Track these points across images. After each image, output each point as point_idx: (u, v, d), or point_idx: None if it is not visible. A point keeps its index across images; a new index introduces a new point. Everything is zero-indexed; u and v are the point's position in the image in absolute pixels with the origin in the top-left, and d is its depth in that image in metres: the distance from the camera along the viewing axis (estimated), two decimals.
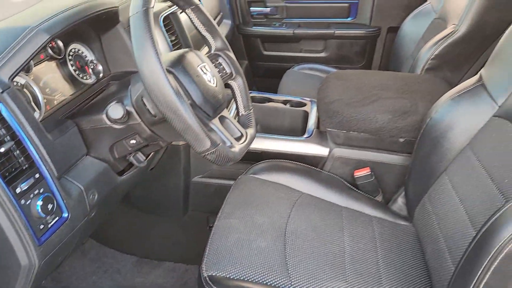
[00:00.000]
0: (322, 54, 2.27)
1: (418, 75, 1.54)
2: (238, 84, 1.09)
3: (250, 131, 1.03)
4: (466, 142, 1.06)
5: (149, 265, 1.50)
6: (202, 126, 0.79)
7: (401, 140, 1.27)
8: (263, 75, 2.43)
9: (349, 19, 2.20)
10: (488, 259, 0.72)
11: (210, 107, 0.90)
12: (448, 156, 1.10)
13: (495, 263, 0.71)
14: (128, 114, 0.90)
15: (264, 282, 0.92)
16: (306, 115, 1.52)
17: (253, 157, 1.34)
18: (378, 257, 1.07)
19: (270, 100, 1.60)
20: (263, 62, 2.35)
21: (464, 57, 1.52)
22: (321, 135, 1.39)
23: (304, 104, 1.57)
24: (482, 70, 1.10)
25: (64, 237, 0.84)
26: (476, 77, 1.11)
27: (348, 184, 1.32)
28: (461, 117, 1.09)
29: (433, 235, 1.05)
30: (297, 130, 1.54)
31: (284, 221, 1.11)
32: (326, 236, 1.09)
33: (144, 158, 0.99)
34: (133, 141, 0.94)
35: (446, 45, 1.50)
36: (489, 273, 0.72)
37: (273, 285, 0.92)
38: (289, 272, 0.96)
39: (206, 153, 0.81)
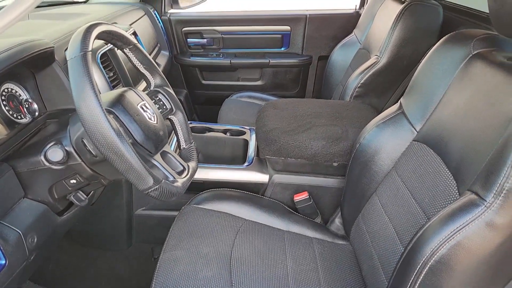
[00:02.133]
0: (259, 82, 2.37)
1: (347, 102, 1.65)
2: (178, 119, 1.12)
3: (192, 164, 1.06)
4: (391, 165, 1.16)
5: None
6: (144, 164, 0.80)
7: (335, 164, 1.36)
8: (203, 103, 2.47)
9: (282, 49, 2.32)
10: (414, 274, 0.80)
11: (151, 144, 0.92)
12: (377, 178, 1.19)
13: (421, 277, 0.79)
14: (67, 154, 0.90)
15: None
16: (246, 143, 1.57)
17: (195, 187, 1.37)
18: (320, 277, 1.13)
19: (210, 129, 1.64)
20: (203, 91, 2.40)
21: (387, 84, 1.66)
22: (261, 163, 1.45)
23: (244, 133, 1.63)
24: (401, 99, 1.22)
25: (1, 285, 0.81)
26: (397, 105, 1.23)
27: (289, 209, 1.38)
28: (385, 142, 1.19)
29: (367, 253, 1.13)
30: (238, 158, 1.59)
31: (229, 249, 1.14)
32: (270, 261, 1.14)
33: (85, 196, 0.99)
34: (73, 181, 0.94)
35: (370, 74, 1.63)
36: (416, 287, 0.80)
37: None
38: None
39: (149, 191, 0.83)
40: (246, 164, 1.44)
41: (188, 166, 1.04)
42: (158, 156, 0.95)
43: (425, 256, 0.78)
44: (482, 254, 0.74)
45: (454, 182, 0.90)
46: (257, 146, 1.53)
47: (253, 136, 1.59)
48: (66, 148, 0.90)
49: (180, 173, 1.00)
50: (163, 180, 0.85)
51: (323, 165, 1.37)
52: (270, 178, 1.40)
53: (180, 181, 0.95)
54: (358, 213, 1.23)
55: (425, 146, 1.06)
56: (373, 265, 1.07)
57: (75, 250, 1.45)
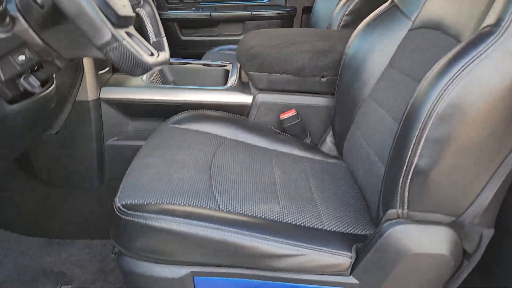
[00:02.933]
0: (241, 37, 2.25)
1: (335, 30, 1.55)
2: (146, 11, 1.00)
3: (164, 53, 0.94)
4: (386, 63, 1.06)
5: (60, 244, 1.30)
6: (99, 12, 0.69)
7: (323, 79, 1.25)
8: None
9: (265, 1, 2.22)
10: (418, 129, 0.69)
11: (112, 13, 0.79)
12: (370, 81, 1.08)
13: (427, 130, 0.67)
14: (13, 20, 0.77)
15: (189, 204, 0.81)
16: (227, 74, 1.46)
17: (172, 111, 1.24)
18: (311, 185, 1.01)
19: (189, 64, 1.52)
20: (182, 48, 2.28)
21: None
22: (243, 85, 1.33)
23: (225, 65, 1.51)
24: None
25: None
26: (388, 2, 1.13)
27: (276, 130, 1.26)
28: (378, 41, 1.09)
29: (363, 156, 1.01)
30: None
31: (209, 158, 1.01)
32: (255, 170, 1.01)
33: (39, 83, 0.86)
34: (22, 57, 0.81)
35: (358, 1, 1.53)
36: (421, 143, 0.68)
37: (200, 206, 0.81)
38: (216, 198, 0.86)
39: (108, 48, 0.70)
40: (228, 85, 1.32)
41: (158, 53, 0.91)
42: (122, 31, 0.83)
43: (431, 103, 0.67)
44: (497, 90, 0.63)
45: (457, 43, 0.80)
46: (239, 72, 1.42)
47: (235, 66, 1.47)
48: (12, 13, 0.77)
49: (149, 55, 0.87)
50: (125, 40, 0.73)
51: (311, 81, 1.26)
52: (253, 99, 1.28)
53: (149, 58, 0.82)
54: (351, 123, 1.12)
55: (422, 29, 0.96)
56: (371, 162, 0.96)
57: (40, 189, 1.30)
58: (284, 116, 1.24)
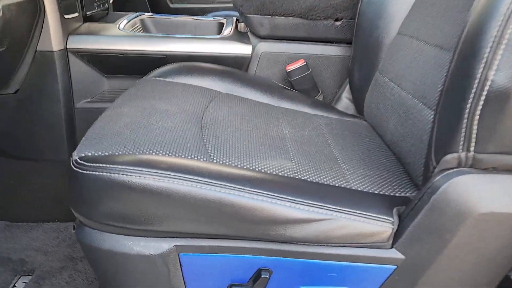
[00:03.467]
0: None
1: None
2: None
3: None
4: None
5: (22, 228, 1.09)
6: None
7: (338, 23, 1.04)
8: None
9: None
10: (495, 30, 0.48)
11: None
12: (399, 15, 0.88)
13: (509, 29, 0.47)
14: None
15: (173, 154, 0.60)
16: (221, 27, 1.25)
17: (155, 64, 1.03)
18: (329, 142, 0.80)
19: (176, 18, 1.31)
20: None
21: None
22: (241, 35, 1.12)
23: (219, 20, 1.30)
24: None
25: None
26: None
27: (281, 85, 1.05)
28: None
29: (395, 104, 0.80)
30: None
31: (200, 110, 0.80)
32: (259, 124, 0.80)
33: None
34: None
35: None
36: (500, 50, 0.48)
37: (187, 157, 0.60)
38: (209, 151, 0.65)
39: None
40: (222, 35, 1.11)
41: None
42: None
43: (504, 13, 0.46)
44: None
45: None
46: (236, 23, 1.21)
47: (231, 20, 1.26)
48: None
49: None
50: None
51: (322, 26, 1.05)
52: (253, 49, 1.07)
53: None
54: (374, 70, 0.91)
55: None
56: (406, 108, 0.75)
57: (1, 163, 1.08)
58: (291, 67, 1.03)
